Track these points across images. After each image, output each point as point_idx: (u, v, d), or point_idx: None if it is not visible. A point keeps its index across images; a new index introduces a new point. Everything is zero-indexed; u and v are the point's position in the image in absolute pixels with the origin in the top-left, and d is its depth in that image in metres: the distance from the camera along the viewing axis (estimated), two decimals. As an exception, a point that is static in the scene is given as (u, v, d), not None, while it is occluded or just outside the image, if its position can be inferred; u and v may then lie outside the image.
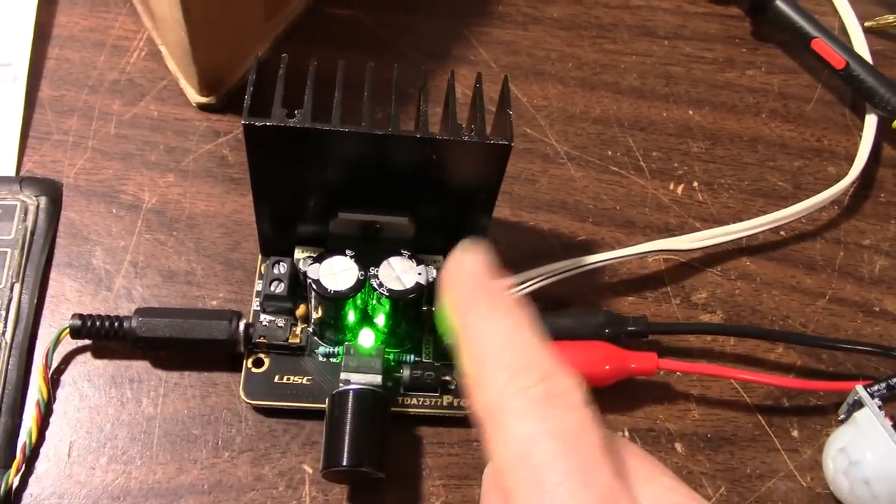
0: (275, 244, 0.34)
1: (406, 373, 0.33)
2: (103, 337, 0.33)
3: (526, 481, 0.21)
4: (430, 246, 0.34)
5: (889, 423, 0.32)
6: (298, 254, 0.34)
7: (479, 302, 0.25)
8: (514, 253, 0.37)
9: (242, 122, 0.28)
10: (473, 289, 0.25)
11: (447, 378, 0.33)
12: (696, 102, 0.44)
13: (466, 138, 0.29)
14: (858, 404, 0.34)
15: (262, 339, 0.33)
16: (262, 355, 0.33)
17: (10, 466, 0.31)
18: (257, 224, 0.34)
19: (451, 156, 0.30)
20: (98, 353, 0.34)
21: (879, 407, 0.33)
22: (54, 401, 0.33)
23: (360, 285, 0.31)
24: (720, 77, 0.45)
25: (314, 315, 0.33)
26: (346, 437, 0.30)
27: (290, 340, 0.33)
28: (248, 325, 0.33)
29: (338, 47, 0.43)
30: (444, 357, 0.34)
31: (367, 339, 0.33)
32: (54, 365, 0.33)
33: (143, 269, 0.36)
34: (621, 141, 0.42)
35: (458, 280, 0.26)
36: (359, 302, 0.32)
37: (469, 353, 0.24)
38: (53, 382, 0.33)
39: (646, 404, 0.35)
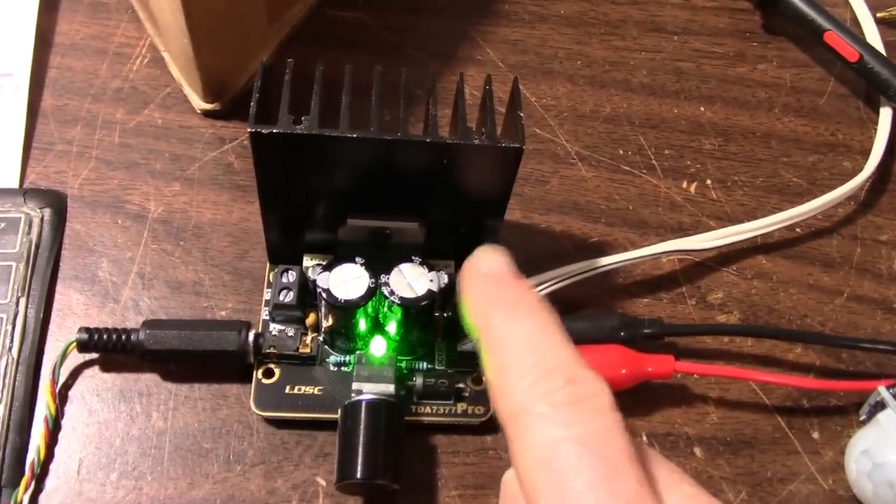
0: (283, 252, 0.34)
1: (419, 381, 0.32)
2: (111, 350, 0.32)
3: (550, 488, 0.20)
4: (441, 251, 0.33)
5: (913, 424, 0.32)
6: (307, 261, 0.34)
7: (501, 303, 0.24)
8: (526, 255, 0.37)
9: (249, 129, 0.28)
10: (494, 289, 0.25)
11: (461, 385, 0.33)
12: (707, 98, 0.43)
13: (477, 142, 0.29)
14: (881, 405, 0.33)
15: (272, 350, 0.33)
16: (272, 366, 0.33)
17: (18, 484, 0.30)
18: (265, 232, 0.33)
19: (462, 160, 0.29)
20: (106, 366, 0.33)
21: (903, 407, 0.32)
22: (62, 416, 0.32)
23: (371, 293, 0.31)
24: (731, 72, 0.44)
25: (324, 324, 0.32)
26: (360, 449, 0.30)
27: (300, 350, 0.33)
28: (257, 336, 0.32)
29: (343, 50, 0.42)
30: (458, 364, 0.33)
31: (378, 347, 0.32)
32: (62, 380, 0.32)
33: (151, 281, 0.35)
34: (632, 139, 0.41)
35: (478, 280, 0.25)
36: (370, 310, 0.32)
37: (492, 356, 0.23)
38: (61, 398, 0.32)
39: (663, 408, 0.35)
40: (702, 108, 0.42)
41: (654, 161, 0.40)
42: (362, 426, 0.30)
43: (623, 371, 0.33)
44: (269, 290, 0.34)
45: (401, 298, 0.31)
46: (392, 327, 0.32)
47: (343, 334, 0.32)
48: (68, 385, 0.33)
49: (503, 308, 0.24)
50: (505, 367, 0.22)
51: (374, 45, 0.43)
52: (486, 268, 0.26)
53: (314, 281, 0.31)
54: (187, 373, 0.33)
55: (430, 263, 0.31)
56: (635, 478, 0.20)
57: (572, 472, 0.20)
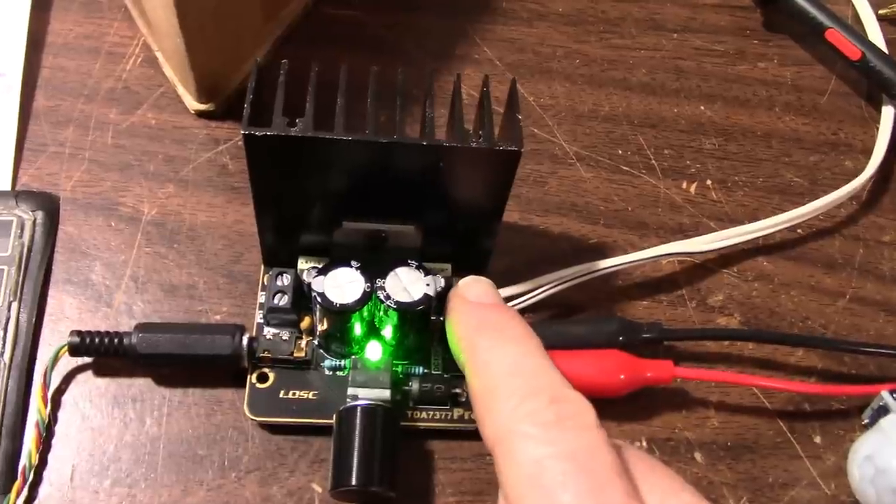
0: (278, 255, 0.33)
1: (415, 386, 0.32)
2: (103, 354, 0.32)
3: None
4: (438, 254, 0.33)
5: (916, 429, 0.31)
6: (302, 264, 0.33)
7: (487, 328, 0.25)
8: (524, 258, 0.36)
9: (242, 131, 0.27)
10: (481, 315, 0.26)
11: (457, 390, 0.32)
12: (707, 97, 0.42)
13: (474, 145, 0.28)
14: (884, 410, 0.33)
15: (266, 354, 0.32)
16: (266, 370, 0.32)
17: (10, 491, 0.30)
18: (259, 235, 0.33)
19: (459, 163, 0.29)
20: (99, 371, 0.33)
21: (906, 412, 0.32)
22: (55, 422, 0.32)
23: (367, 298, 0.30)
24: (731, 70, 0.43)
25: (319, 328, 0.32)
26: (355, 456, 0.29)
27: (295, 354, 0.32)
28: (251, 340, 0.32)
29: (339, 48, 0.42)
30: (454, 368, 0.33)
31: (374, 352, 0.32)
32: (54, 385, 0.32)
33: (144, 284, 0.35)
34: (632, 139, 0.41)
35: (465, 306, 0.26)
36: (365, 314, 0.31)
37: (477, 379, 0.24)
38: (54, 403, 0.32)
39: (663, 413, 0.34)
40: (702, 108, 0.42)
41: (653, 161, 0.40)
42: (358, 432, 0.30)
43: (622, 377, 0.32)
44: (264, 293, 0.33)
45: (396, 303, 0.30)
46: (388, 332, 0.32)
47: (338, 338, 0.32)
48: (61, 390, 0.32)
49: (489, 333, 0.25)
50: (490, 390, 0.23)
51: (371, 43, 0.42)
52: (474, 296, 0.27)
53: (309, 284, 0.31)
54: (181, 377, 0.33)
55: (426, 267, 0.31)
56: (622, 490, 0.21)
57: (559, 487, 0.20)
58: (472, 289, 0.27)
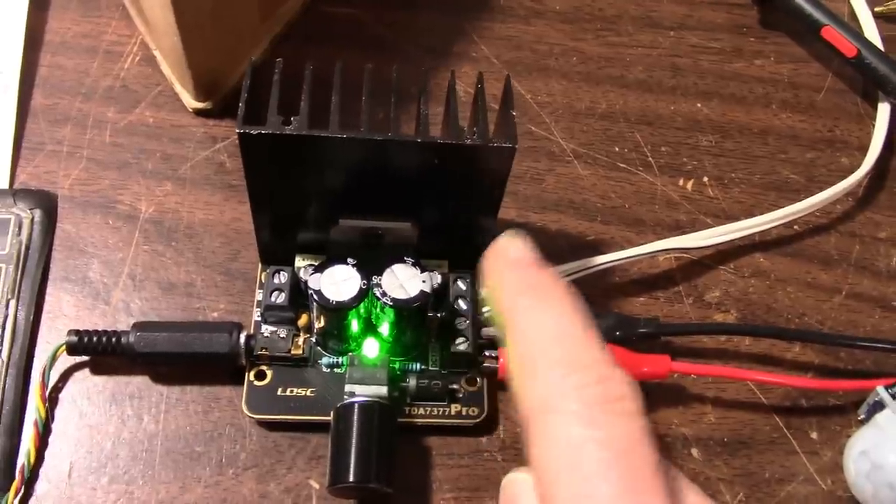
0: (275, 252, 0.33)
1: (412, 382, 0.32)
2: (101, 353, 0.32)
3: (573, 492, 0.19)
4: (434, 251, 0.33)
5: (912, 424, 0.31)
6: (299, 262, 0.33)
7: (530, 289, 0.23)
8: (521, 255, 0.36)
9: (237, 130, 0.27)
10: (523, 275, 0.23)
11: (455, 386, 0.33)
12: (704, 95, 0.42)
13: (469, 142, 0.28)
14: (880, 405, 0.33)
15: (263, 351, 0.32)
16: (264, 367, 0.33)
17: (8, 489, 0.30)
18: (256, 233, 0.33)
19: (454, 160, 0.29)
20: (97, 369, 0.33)
21: (901, 407, 0.32)
22: (53, 420, 0.32)
23: (363, 295, 0.30)
24: (728, 68, 0.43)
25: (316, 325, 0.32)
26: (353, 452, 0.29)
27: (292, 352, 0.32)
28: (249, 337, 0.32)
29: (336, 46, 0.42)
30: (452, 365, 0.33)
31: (371, 348, 0.32)
32: (52, 383, 0.32)
33: (142, 282, 0.35)
34: (628, 136, 0.41)
35: (506, 265, 0.24)
36: (362, 311, 0.31)
37: (517, 345, 0.22)
38: (52, 401, 0.32)
39: (659, 409, 0.34)
40: (698, 105, 0.42)
41: (650, 158, 0.40)
42: (355, 429, 0.30)
43: (619, 371, 0.33)
44: (261, 290, 0.33)
45: (393, 300, 0.30)
46: (385, 328, 0.32)
47: (335, 336, 0.32)
48: (58, 388, 0.32)
49: (532, 294, 0.22)
50: (532, 357, 0.21)
51: (368, 41, 0.42)
52: (514, 253, 0.24)
53: (306, 282, 0.31)
54: (179, 375, 0.33)
55: (422, 264, 0.31)
56: (663, 492, 0.19)
57: (599, 477, 0.19)
58: (513, 246, 0.24)
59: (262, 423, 0.32)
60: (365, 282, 0.30)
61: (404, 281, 0.31)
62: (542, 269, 0.23)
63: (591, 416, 0.20)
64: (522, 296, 0.22)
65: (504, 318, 0.23)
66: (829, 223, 0.39)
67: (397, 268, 0.31)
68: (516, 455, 0.33)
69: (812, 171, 0.41)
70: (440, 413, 0.32)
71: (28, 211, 0.35)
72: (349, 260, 0.31)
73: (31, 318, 0.33)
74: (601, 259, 0.36)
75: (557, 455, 0.20)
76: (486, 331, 0.33)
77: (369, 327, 0.32)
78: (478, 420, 0.32)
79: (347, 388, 0.31)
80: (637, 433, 0.20)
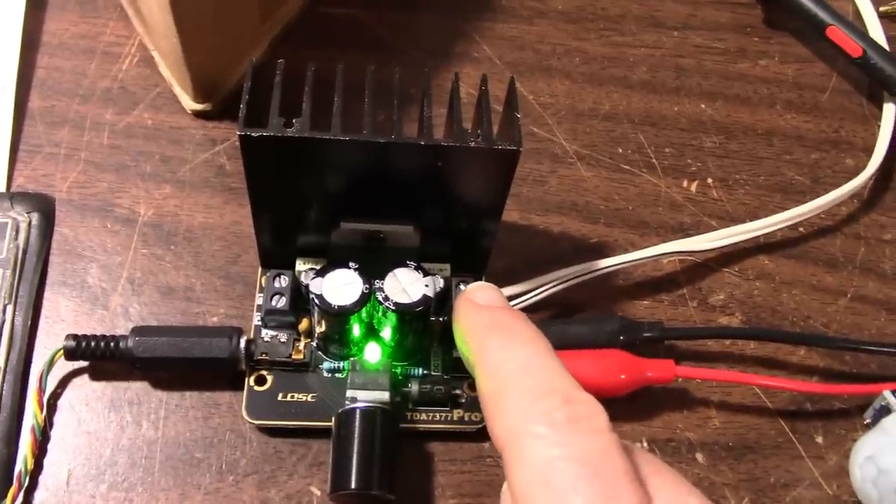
0: (275, 256, 0.33)
1: (414, 387, 0.32)
2: (99, 358, 0.31)
3: None
4: (437, 255, 0.32)
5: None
6: (300, 265, 0.33)
7: (498, 328, 0.25)
8: (524, 258, 0.36)
9: (238, 132, 0.27)
10: (491, 316, 0.25)
11: (457, 391, 0.32)
12: (708, 95, 0.42)
13: (473, 144, 0.28)
14: (886, 410, 0.33)
15: (264, 356, 0.32)
16: (264, 372, 0.32)
17: (5, 497, 0.30)
18: (256, 236, 0.32)
19: (458, 162, 0.29)
20: (95, 374, 0.32)
21: (909, 412, 0.32)
22: (51, 426, 0.31)
23: (365, 299, 0.30)
24: (732, 68, 0.43)
25: (317, 329, 0.32)
26: (354, 459, 0.29)
27: (293, 356, 0.32)
28: (249, 342, 0.32)
29: (337, 47, 0.41)
30: (454, 370, 0.33)
31: (373, 353, 0.32)
32: (50, 389, 0.32)
33: (141, 286, 0.34)
34: (632, 138, 0.40)
35: (474, 309, 0.26)
36: (364, 315, 0.31)
37: (489, 381, 0.23)
38: (49, 407, 0.32)
39: (664, 413, 0.34)
40: (702, 105, 0.42)
41: (654, 160, 0.40)
42: (357, 435, 0.29)
43: (623, 376, 0.32)
44: (261, 294, 0.33)
45: (395, 304, 0.30)
46: (387, 333, 0.31)
47: (337, 340, 0.32)
48: (56, 394, 0.32)
49: (499, 333, 0.24)
50: (501, 390, 0.23)
51: (369, 42, 0.42)
52: (482, 299, 0.26)
53: (307, 286, 0.30)
54: (178, 380, 0.32)
55: (424, 268, 0.31)
56: (635, 497, 0.20)
57: (571, 490, 0.20)
58: (480, 293, 0.27)
59: (262, 429, 0.32)
60: (367, 286, 0.30)
61: (407, 285, 0.30)
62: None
63: (560, 436, 0.21)
64: (492, 334, 0.24)
65: (474, 356, 0.24)
66: (834, 225, 0.39)
67: (399, 272, 0.30)
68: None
69: (817, 173, 0.40)
70: (442, 418, 0.32)
71: (25, 214, 0.35)
72: (351, 264, 0.30)
73: (29, 323, 0.33)
74: (605, 262, 0.35)
75: (531, 475, 0.21)
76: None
77: (371, 332, 0.32)
78: (480, 425, 0.32)
79: (349, 393, 0.31)
80: (606, 446, 0.21)
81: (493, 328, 0.25)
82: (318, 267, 0.31)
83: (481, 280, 0.34)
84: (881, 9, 0.45)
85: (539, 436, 0.21)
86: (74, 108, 0.38)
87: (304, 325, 0.32)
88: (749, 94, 0.42)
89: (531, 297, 0.34)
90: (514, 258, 0.36)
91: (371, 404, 0.30)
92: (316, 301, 0.30)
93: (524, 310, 0.34)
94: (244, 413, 0.31)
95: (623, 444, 0.22)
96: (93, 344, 0.31)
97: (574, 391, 0.22)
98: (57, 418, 0.32)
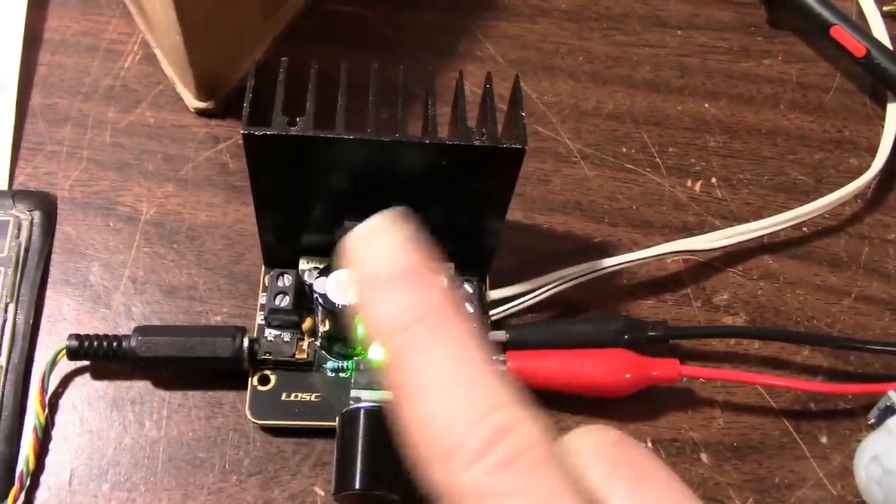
0: (279, 255, 0.33)
1: (419, 387, 0.32)
2: (102, 357, 0.31)
3: None
4: (441, 254, 0.32)
5: (925, 429, 0.31)
6: (304, 264, 0.33)
7: (416, 322, 0.18)
8: (528, 257, 0.36)
9: (241, 131, 0.27)
10: (404, 299, 0.18)
11: (462, 391, 0.32)
12: (711, 95, 0.42)
13: (478, 143, 0.28)
14: (891, 410, 0.32)
15: (267, 356, 0.32)
16: (268, 372, 0.32)
17: (7, 497, 0.29)
18: (259, 234, 0.32)
19: (462, 161, 0.28)
20: (97, 374, 0.32)
21: (914, 413, 0.32)
22: (53, 426, 0.31)
23: (370, 299, 0.30)
24: (736, 67, 0.43)
25: (321, 329, 0.32)
26: (358, 459, 0.29)
27: (296, 356, 0.32)
28: (252, 341, 0.32)
29: (340, 45, 0.41)
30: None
31: (377, 352, 0.32)
32: (52, 388, 0.32)
33: (143, 285, 0.34)
34: (636, 137, 0.40)
35: (380, 289, 0.18)
36: (368, 315, 0.31)
37: (407, 401, 0.18)
38: (51, 406, 0.32)
39: (669, 413, 0.34)
40: (706, 105, 0.42)
41: (657, 159, 0.40)
42: (361, 435, 0.29)
43: (627, 376, 0.32)
44: (265, 293, 0.33)
45: (400, 304, 0.30)
46: (391, 332, 0.31)
47: (340, 339, 0.32)
48: (59, 393, 0.32)
49: (413, 332, 0.18)
50: (424, 419, 0.17)
51: (373, 40, 0.42)
52: (380, 265, 0.19)
53: (311, 285, 0.30)
54: (181, 380, 0.32)
55: (429, 267, 0.31)
56: None
57: None
58: (376, 252, 0.19)
59: (265, 429, 0.32)
60: (371, 285, 0.30)
61: (411, 284, 0.30)
62: (425, 278, 0.18)
63: (502, 489, 0.17)
64: (406, 333, 0.18)
65: (389, 357, 0.18)
66: (837, 225, 0.39)
67: (404, 271, 0.30)
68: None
69: (821, 173, 0.40)
70: (447, 418, 0.32)
71: (27, 213, 0.35)
72: (355, 263, 0.30)
73: (31, 322, 0.33)
74: (609, 262, 0.35)
75: None
76: (493, 335, 0.33)
77: (375, 331, 0.32)
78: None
79: (353, 393, 0.31)
80: (553, 484, 0.17)
81: (407, 323, 0.18)
82: (321, 266, 0.31)
83: (485, 279, 0.34)
84: (885, 8, 0.45)
85: (479, 494, 0.17)
86: (76, 105, 0.38)
87: (307, 324, 0.32)
88: (753, 93, 0.42)
89: (535, 297, 0.34)
90: (517, 257, 0.36)
91: (375, 404, 0.30)
92: (320, 300, 0.30)
93: (528, 310, 0.34)
94: (247, 413, 0.31)
95: (568, 466, 0.17)
96: (95, 343, 0.31)
97: (507, 411, 0.17)
98: (59, 418, 0.32)
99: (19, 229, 0.34)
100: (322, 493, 0.31)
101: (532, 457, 0.17)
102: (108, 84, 0.39)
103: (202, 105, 0.38)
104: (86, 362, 0.32)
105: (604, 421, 0.33)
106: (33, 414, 0.31)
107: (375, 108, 0.29)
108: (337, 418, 0.30)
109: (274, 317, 0.32)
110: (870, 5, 0.45)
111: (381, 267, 0.19)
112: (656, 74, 0.42)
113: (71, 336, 0.31)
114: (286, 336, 0.32)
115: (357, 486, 0.29)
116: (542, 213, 0.38)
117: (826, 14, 0.42)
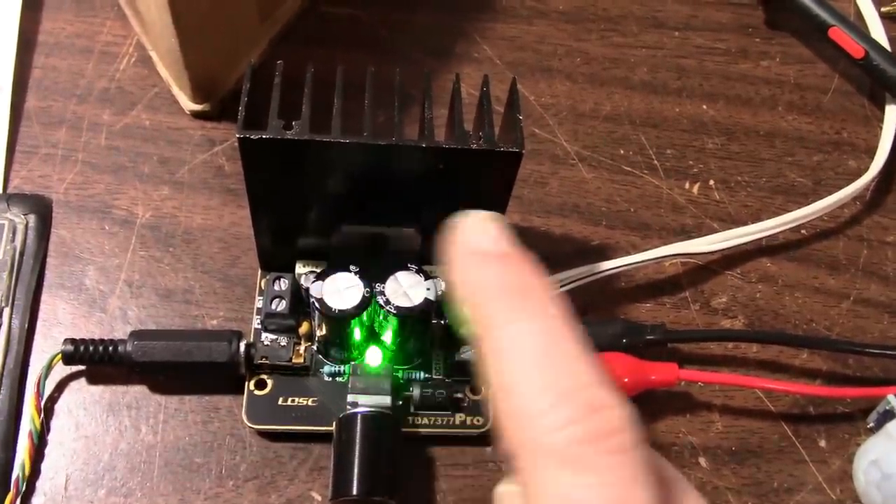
0: (275, 258, 0.33)
1: (416, 391, 0.32)
2: (98, 362, 0.31)
3: None
4: (439, 257, 0.32)
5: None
6: (300, 268, 0.33)
7: (508, 294, 0.19)
8: (525, 260, 0.36)
9: (237, 135, 0.27)
10: (494, 275, 0.20)
11: (459, 395, 0.32)
12: (709, 96, 0.42)
13: (475, 146, 0.28)
14: (890, 414, 0.32)
15: (264, 360, 0.32)
16: (264, 376, 0.32)
17: (2, 502, 0.29)
18: (256, 238, 0.32)
19: (459, 165, 0.28)
20: (93, 378, 0.32)
21: (912, 417, 0.32)
22: (48, 431, 0.31)
23: (366, 303, 0.30)
24: (734, 69, 0.43)
25: (318, 333, 0.31)
26: (356, 465, 0.29)
27: (293, 360, 0.32)
28: (248, 346, 0.31)
29: (336, 47, 0.41)
30: (456, 373, 0.32)
31: (374, 357, 0.32)
32: (47, 393, 0.31)
33: (139, 289, 0.34)
34: (633, 139, 0.40)
35: (472, 262, 0.20)
36: (365, 319, 0.31)
37: (496, 372, 0.19)
38: (47, 411, 0.31)
39: (667, 417, 0.34)
40: (704, 107, 0.42)
41: (655, 161, 0.40)
42: (358, 440, 0.29)
43: (626, 379, 0.32)
44: (261, 297, 0.33)
45: (396, 308, 0.30)
46: (388, 336, 0.31)
47: (337, 344, 0.32)
48: (54, 398, 0.32)
49: (510, 301, 0.19)
50: (514, 386, 0.18)
51: (369, 42, 0.41)
52: (488, 244, 0.21)
53: (307, 290, 0.30)
54: (177, 385, 0.32)
55: (426, 271, 0.30)
56: None
57: None
58: (479, 235, 0.21)
59: (262, 434, 0.32)
60: (368, 290, 0.30)
61: (408, 288, 0.30)
62: (522, 263, 0.20)
63: (581, 461, 0.18)
64: (498, 302, 0.19)
65: (478, 329, 0.20)
66: (836, 227, 0.39)
67: (401, 275, 0.30)
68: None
69: (819, 175, 0.40)
70: (444, 423, 0.32)
71: (22, 216, 0.35)
72: (352, 267, 0.30)
73: (26, 326, 0.33)
74: (607, 265, 0.35)
75: None
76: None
77: (372, 335, 0.32)
78: (483, 429, 0.32)
79: (350, 397, 0.30)
80: (632, 473, 0.18)
81: (501, 293, 0.19)
82: (318, 270, 0.31)
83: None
84: (883, 10, 0.45)
85: (559, 457, 0.18)
86: (71, 108, 0.38)
87: (304, 328, 0.32)
88: (751, 95, 0.42)
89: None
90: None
91: (372, 409, 0.30)
92: (316, 305, 0.30)
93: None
94: (244, 417, 0.31)
95: (651, 462, 0.18)
96: (91, 348, 0.31)
97: (599, 391, 0.18)
98: (54, 423, 0.31)
99: (14, 233, 0.34)
100: (319, 499, 0.31)
101: (618, 441, 0.18)
102: (104, 86, 0.39)
103: (198, 107, 0.38)
104: (81, 367, 0.32)
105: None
106: (29, 419, 0.31)
107: (372, 111, 0.29)
108: (334, 423, 0.30)
109: (270, 321, 0.32)
110: (868, 6, 0.45)
111: (488, 245, 0.20)
112: (654, 76, 0.42)
113: (66, 340, 0.31)
114: (283, 340, 0.32)
115: (355, 492, 0.28)
116: (539, 216, 0.38)
117: (824, 15, 0.42)
